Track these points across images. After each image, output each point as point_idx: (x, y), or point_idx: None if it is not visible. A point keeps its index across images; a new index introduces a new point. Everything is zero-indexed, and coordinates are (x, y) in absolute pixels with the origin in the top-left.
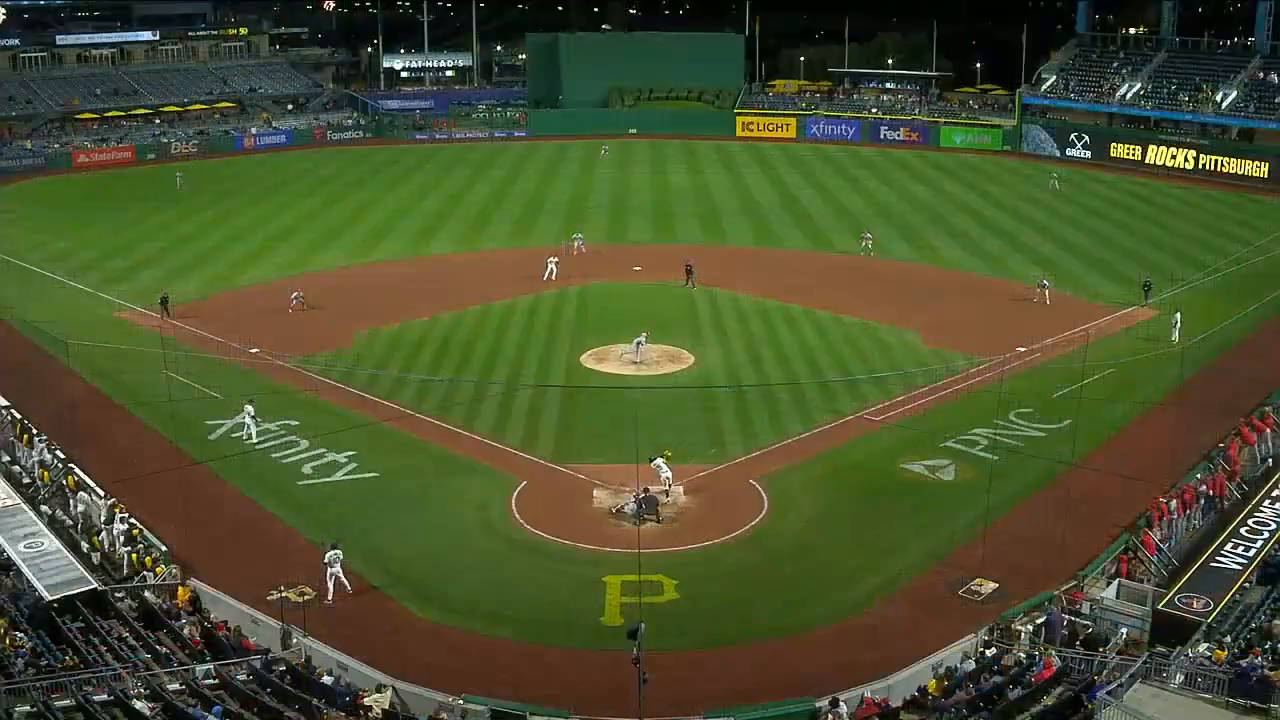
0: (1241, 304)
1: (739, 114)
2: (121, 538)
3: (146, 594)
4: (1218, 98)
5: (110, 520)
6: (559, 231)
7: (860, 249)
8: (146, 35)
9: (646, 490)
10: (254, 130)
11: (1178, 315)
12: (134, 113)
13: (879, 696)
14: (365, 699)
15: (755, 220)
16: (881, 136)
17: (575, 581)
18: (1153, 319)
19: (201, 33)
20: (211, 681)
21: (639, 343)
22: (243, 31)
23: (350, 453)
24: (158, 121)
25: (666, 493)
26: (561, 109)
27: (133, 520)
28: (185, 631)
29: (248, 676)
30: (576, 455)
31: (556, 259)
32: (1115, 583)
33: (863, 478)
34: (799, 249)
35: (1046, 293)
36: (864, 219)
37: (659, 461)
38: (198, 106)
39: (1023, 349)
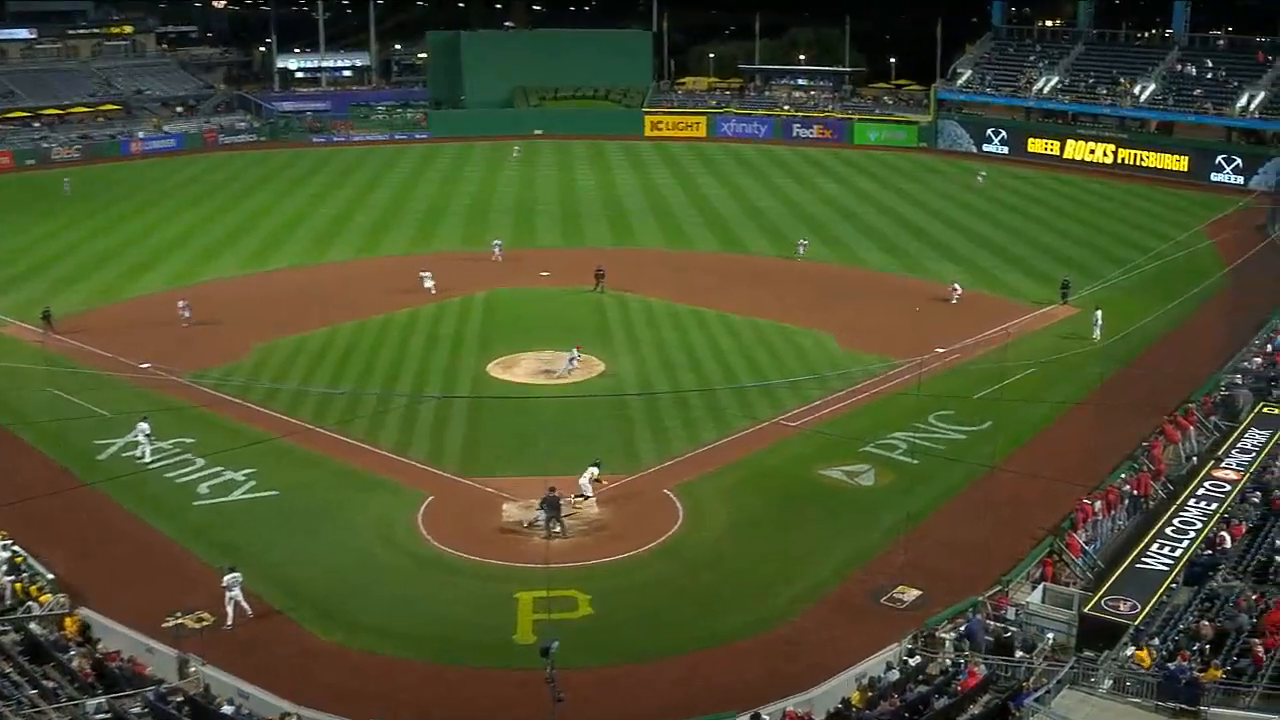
0: (1162, 300)
1: (648, 113)
2: (4, 566)
3: (31, 625)
4: (1136, 90)
5: None
6: (463, 237)
7: (797, 255)
8: (23, 33)
9: (552, 489)
10: (141, 135)
11: (1098, 313)
12: (10, 115)
13: (802, 709)
14: None
15: (666, 222)
16: (794, 134)
17: (485, 598)
18: (1074, 317)
19: (83, 30)
20: (104, 716)
21: (573, 360)
22: (127, 30)
23: (248, 470)
24: (37, 125)
25: (575, 502)
26: (464, 109)
27: (15, 547)
28: (74, 664)
29: (143, 709)
30: (485, 468)
31: (430, 273)
32: (1040, 587)
33: (780, 485)
34: (711, 251)
35: (958, 293)
36: (777, 220)
37: (593, 471)
38: (79, 109)
39: (941, 350)
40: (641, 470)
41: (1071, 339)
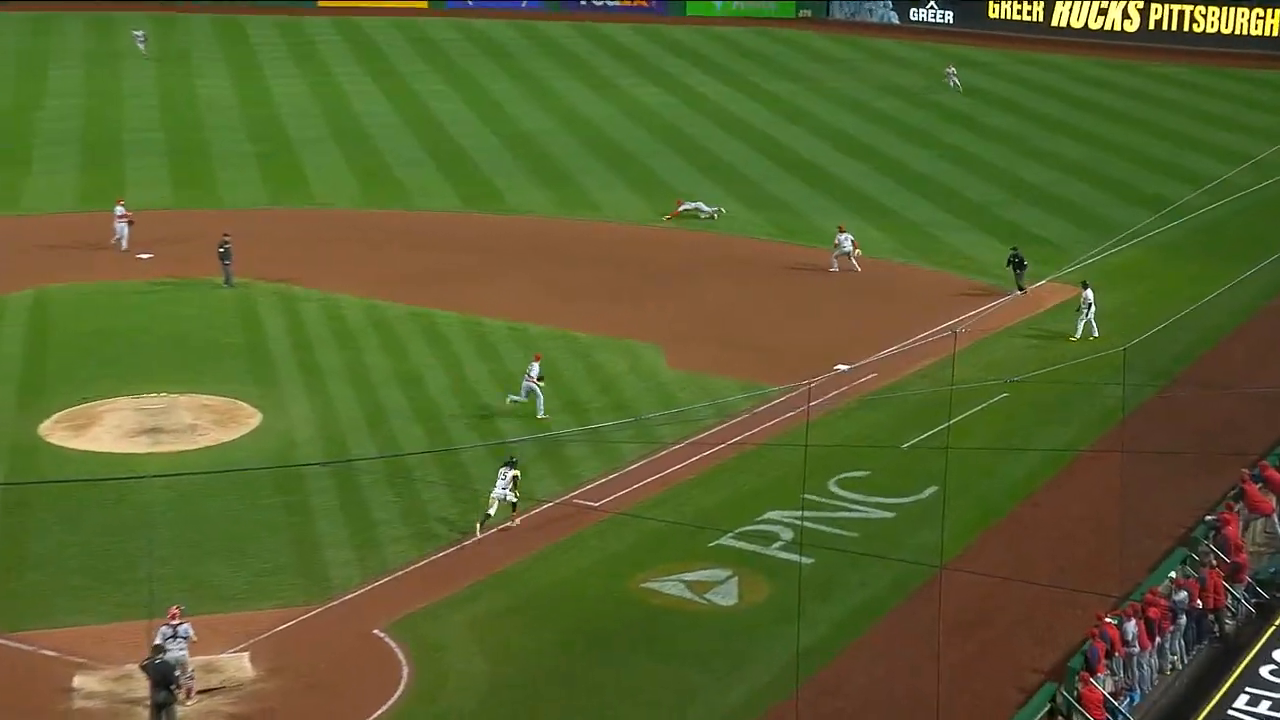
0: (1224, 270)
1: None
2: None
3: None
4: None
5: None
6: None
7: (701, 216)
8: None
9: (159, 652)
10: None
11: (1087, 293)
12: None
13: None
14: None
15: (357, 160)
16: (583, 2)
17: None
18: (1066, 304)
19: None
20: None
21: (531, 380)
22: None
23: None
24: None
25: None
26: None
27: None
28: None
29: None
30: (41, 613)
31: None
32: None
33: (578, 611)
34: (448, 210)
35: (849, 252)
36: (559, 152)
37: (510, 475)
38: None
39: (845, 368)
40: (331, 599)
41: (1058, 340)
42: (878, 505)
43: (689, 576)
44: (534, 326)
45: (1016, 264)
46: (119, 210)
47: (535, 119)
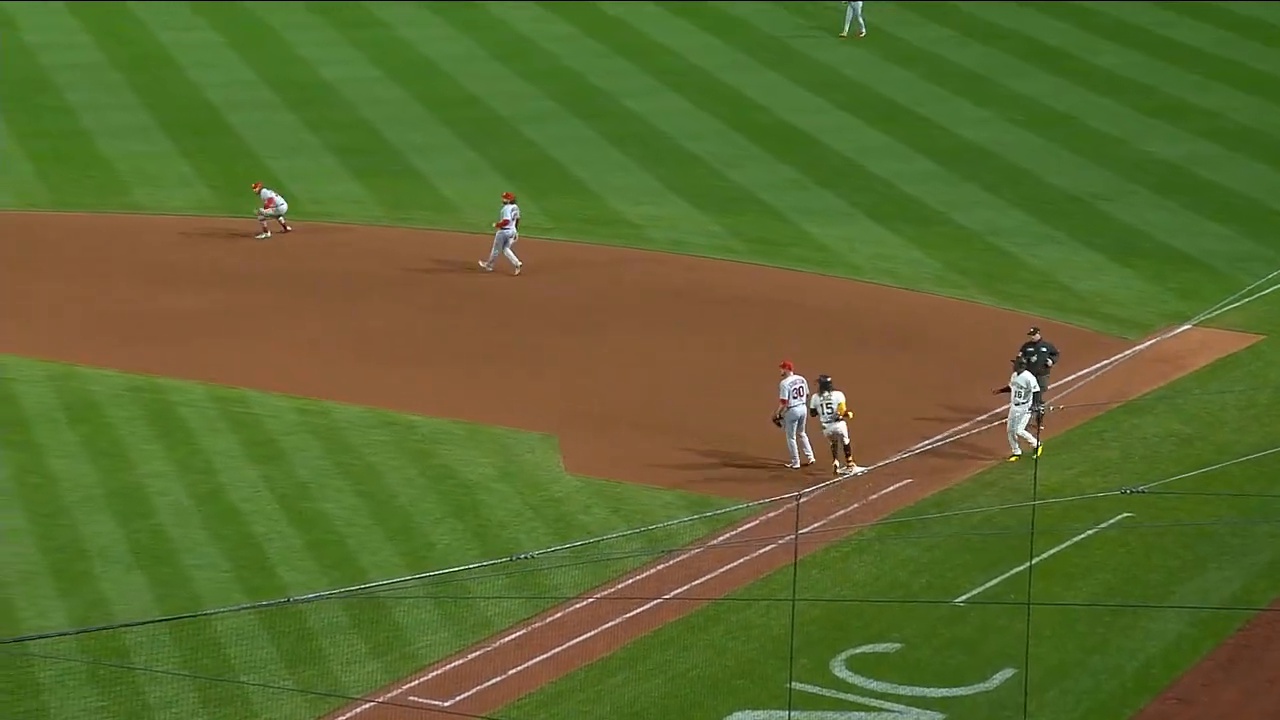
0: None
1: None
2: None
3: None
4: None
5: None
6: None
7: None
8: None
9: None
10: None
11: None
12: None
13: None
14: None
15: (39, 122)
16: None
17: None
18: (1222, 363)
19: None
20: None
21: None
22: None
23: None
24: None
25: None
26: None
27: None
28: None
29: None
30: None
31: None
32: None
33: None
34: (182, 211)
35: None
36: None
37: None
38: None
39: (857, 470)
40: None
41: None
42: (914, 701)
43: None
44: (339, 407)
45: (1030, 363)
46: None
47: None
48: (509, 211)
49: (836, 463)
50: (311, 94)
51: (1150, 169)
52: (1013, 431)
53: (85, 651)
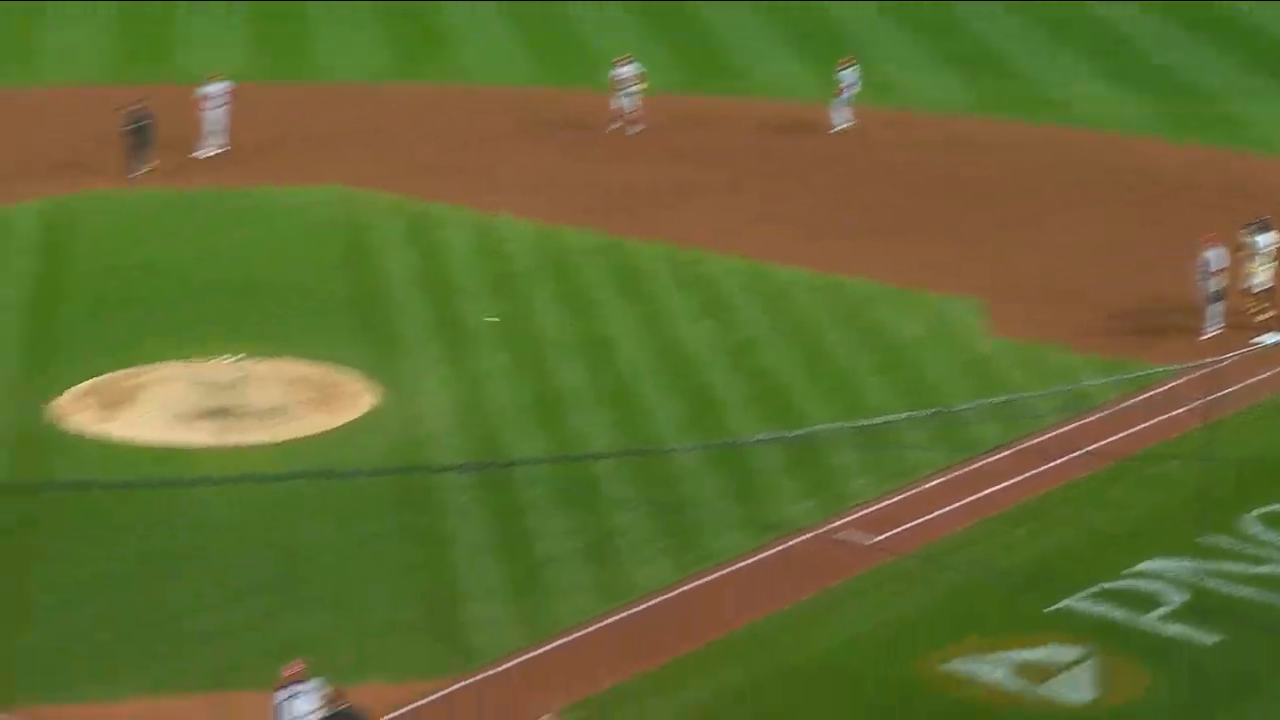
0: None
1: None
2: None
3: None
4: None
5: None
6: None
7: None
8: None
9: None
10: None
11: None
12: None
13: None
14: None
15: (523, 13)
16: None
17: None
18: None
19: None
20: None
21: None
22: None
23: None
24: None
25: None
26: None
27: None
28: None
29: None
30: (51, 681)
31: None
32: None
33: (845, 704)
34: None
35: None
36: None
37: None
38: None
39: (1272, 337)
40: (476, 671)
41: None
42: None
43: (1017, 656)
44: (780, 269)
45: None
46: (211, 89)
47: None
48: (848, 75)
49: (1256, 310)
50: None
51: None
52: None
53: (559, 479)
